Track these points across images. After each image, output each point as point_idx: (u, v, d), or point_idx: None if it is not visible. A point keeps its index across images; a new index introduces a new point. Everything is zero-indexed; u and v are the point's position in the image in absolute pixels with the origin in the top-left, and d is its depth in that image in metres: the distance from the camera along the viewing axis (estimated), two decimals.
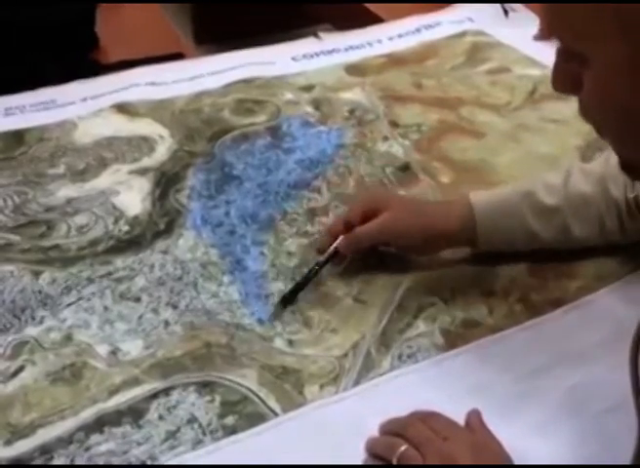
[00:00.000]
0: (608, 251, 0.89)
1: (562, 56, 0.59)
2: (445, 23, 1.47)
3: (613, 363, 0.71)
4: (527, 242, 0.86)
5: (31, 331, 0.78)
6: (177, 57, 1.38)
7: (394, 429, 0.67)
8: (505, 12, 1.49)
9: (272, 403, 0.72)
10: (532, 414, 0.71)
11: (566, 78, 0.58)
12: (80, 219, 0.94)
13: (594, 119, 0.59)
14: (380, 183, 1.01)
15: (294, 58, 1.34)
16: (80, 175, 1.02)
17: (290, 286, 0.84)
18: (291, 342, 0.78)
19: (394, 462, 0.63)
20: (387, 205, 0.85)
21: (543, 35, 1.38)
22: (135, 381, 0.73)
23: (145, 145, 1.08)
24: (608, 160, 0.85)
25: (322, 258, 0.85)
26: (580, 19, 0.54)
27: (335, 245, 0.85)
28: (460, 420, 0.67)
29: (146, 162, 1.05)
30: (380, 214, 0.84)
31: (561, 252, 0.88)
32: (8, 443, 0.68)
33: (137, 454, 0.67)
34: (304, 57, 1.35)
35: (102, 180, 1.01)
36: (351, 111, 1.18)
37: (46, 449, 0.67)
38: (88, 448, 0.67)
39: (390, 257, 0.88)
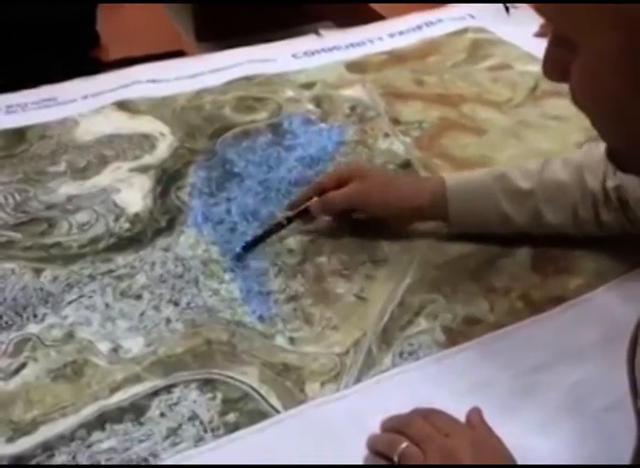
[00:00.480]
0: (608, 247, 0.89)
1: (553, 40, 0.58)
2: (446, 20, 1.47)
3: (613, 360, 0.70)
4: (500, 224, 0.87)
5: (33, 328, 0.79)
6: (177, 54, 1.38)
7: (395, 426, 0.67)
8: (507, 9, 1.49)
9: (273, 400, 0.72)
10: (533, 412, 0.71)
11: (555, 64, 0.58)
12: (81, 217, 0.94)
13: (583, 107, 0.58)
14: None
15: (294, 56, 1.34)
16: (81, 173, 1.02)
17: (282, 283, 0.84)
18: (292, 340, 0.78)
19: (395, 459, 0.63)
20: (362, 174, 0.90)
21: (545, 32, 1.38)
22: (136, 378, 0.74)
23: (146, 143, 1.08)
24: (590, 150, 0.86)
25: (291, 213, 0.89)
26: (574, 5, 0.54)
27: (308, 204, 0.89)
28: (462, 417, 0.67)
29: (147, 159, 1.05)
30: (353, 183, 0.88)
31: (560, 248, 0.88)
32: (10, 440, 0.68)
33: (138, 451, 0.67)
34: (305, 54, 1.35)
35: (103, 178, 1.01)
36: (352, 108, 1.18)
37: (48, 447, 0.67)
38: (89, 446, 0.67)
39: (362, 226, 0.91)
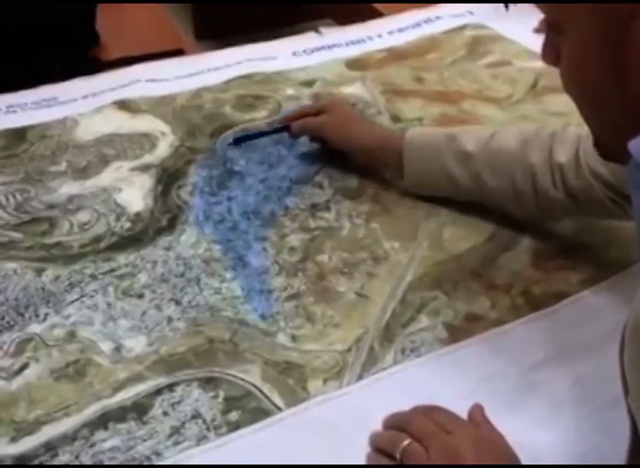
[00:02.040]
0: (609, 243, 0.89)
1: (547, 25, 0.59)
2: (445, 17, 1.46)
3: (614, 356, 0.70)
4: (447, 185, 0.92)
5: (35, 328, 0.79)
6: (177, 53, 1.38)
7: (397, 423, 0.67)
8: (506, 5, 1.48)
9: (276, 398, 0.72)
10: (534, 408, 0.71)
11: (550, 49, 0.59)
12: (82, 216, 0.94)
13: (569, 92, 0.59)
14: (381, 178, 1.01)
15: (294, 54, 1.34)
16: (82, 173, 1.02)
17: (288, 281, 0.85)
18: (294, 338, 0.78)
19: (397, 457, 0.63)
20: (331, 109, 1.03)
21: (544, 28, 1.37)
22: (139, 377, 0.74)
23: (147, 142, 1.08)
24: (545, 128, 0.88)
25: (278, 125, 1.06)
26: None
27: (288, 123, 1.05)
28: (464, 414, 0.67)
29: (148, 158, 1.05)
30: (322, 115, 1.02)
31: (561, 244, 0.88)
32: (13, 440, 0.68)
33: (141, 450, 0.67)
34: (305, 52, 1.35)
35: (104, 177, 1.01)
36: (352, 106, 1.17)
37: (51, 446, 0.67)
38: (92, 445, 0.67)
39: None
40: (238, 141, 1.04)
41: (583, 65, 0.56)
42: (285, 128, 1.05)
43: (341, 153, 1.02)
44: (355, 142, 0.99)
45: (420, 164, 0.93)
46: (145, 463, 0.67)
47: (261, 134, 1.06)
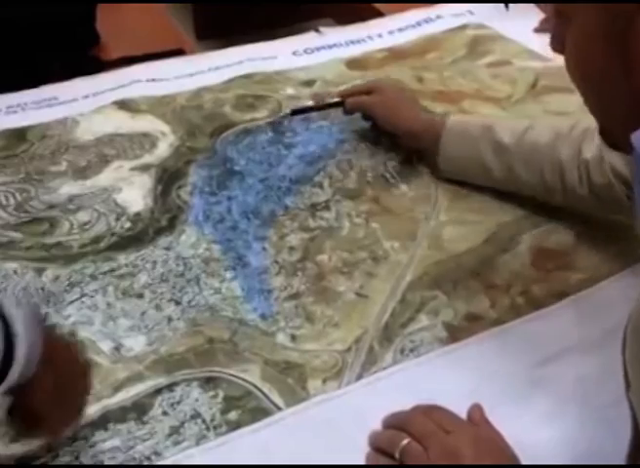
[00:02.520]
0: (609, 242, 0.89)
1: (554, 12, 0.60)
2: (445, 17, 1.46)
3: (614, 355, 0.70)
4: (481, 174, 0.95)
5: None
6: (177, 53, 1.38)
7: (397, 423, 0.67)
8: (506, 4, 1.48)
9: (275, 398, 0.72)
10: (535, 407, 0.71)
11: (558, 36, 0.59)
12: (82, 216, 0.94)
13: (573, 79, 0.59)
14: (382, 178, 1.01)
15: (294, 53, 1.34)
16: (82, 173, 1.02)
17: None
18: (293, 337, 0.78)
19: (397, 456, 0.63)
20: (380, 89, 1.05)
21: (544, 27, 1.37)
22: (138, 377, 0.74)
23: (147, 142, 1.08)
24: (578, 123, 0.89)
25: (335, 100, 1.08)
26: None
27: (343, 98, 1.07)
28: (463, 414, 0.67)
29: (148, 158, 1.05)
30: (372, 94, 1.05)
31: (561, 243, 0.88)
32: (14, 439, 0.68)
33: (141, 450, 0.67)
34: (305, 51, 1.34)
35: (104, 177, 1.01)
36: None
37: (51, 447, 0.67)
38: (93, 445, 0.68)
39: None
40: (295, 113, 1.07)
41: (588, 54, 0.56)
42: (339, 103, 1.07)
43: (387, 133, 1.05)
44: (402, 125, 1.01)
45: (455, 152, 0.96)
46: (145, 463, 0.67)
47: (318, 108, 1.08)
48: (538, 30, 1.38)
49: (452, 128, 0.96)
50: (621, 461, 0.63)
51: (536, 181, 0.91)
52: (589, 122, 0.85)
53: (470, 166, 0.96)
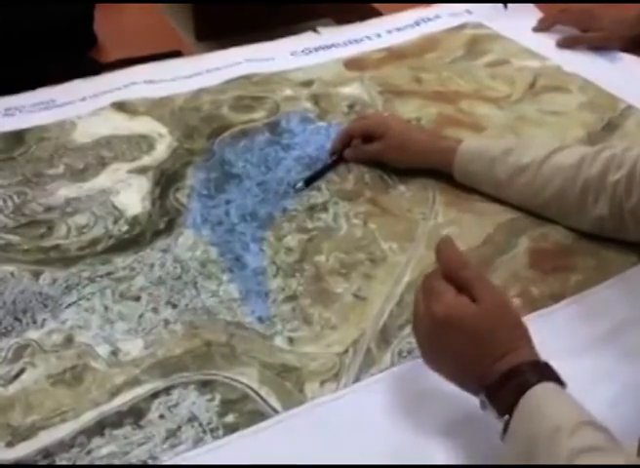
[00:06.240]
0: (608, 244, 0.89)
1: None
2: (444, 16, 1.46)
3: (611, 357, 0.71)
4: (496, 194, 0.96)
5: (33, 334, 0.78)
6: (175, 54, 1.37)
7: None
8: (505, 4, 1.48)
9: (273, 401, 0.72)
10: None
11: None
12: (80, 219, 0.94)
13: None
14: (379, 179, 1.01)
15: (292, 54, 1.34)
16: (80, 175, 1.02)
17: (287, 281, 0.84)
18: (291, 340, 0.78)
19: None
20: (382, 133, 1.02)
21: (543, 27, 1.37)
22: (135, 381, 0.74)
23: (145, 144, 1.08)
24: (607, 149, 0.88)
25: (334, 158, 1.05)
26: None
27: (339, 152, 1.05)
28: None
29: (146, 160, 1.05)
30: (379, 138, 1.02)
31: (559, 245, 0.88)
32: (9, 444, 0.68)
33: (138, 455, 0.67)
34: (303, 52, 1.34)
35: (102, 180, 1.01)
36: (351, 106, 1.17)
37: (48, 453, 0.67)
38: (89, 452, 0.67)
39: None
40: (309, 182, 1.00)
41: None
42: (338, 160, 1.04)
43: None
44: (416, 160, 1.01)
45: (470, 176, 0.96)
46: None
47: (323, 170, 1.03)
48: (536, 30, 1.38)
49: (462, 158, 0.96)
50: None
51: (556, 204, 0.90)
52: (618, 148, 0.85)
53: (485, 188, 0.96)
